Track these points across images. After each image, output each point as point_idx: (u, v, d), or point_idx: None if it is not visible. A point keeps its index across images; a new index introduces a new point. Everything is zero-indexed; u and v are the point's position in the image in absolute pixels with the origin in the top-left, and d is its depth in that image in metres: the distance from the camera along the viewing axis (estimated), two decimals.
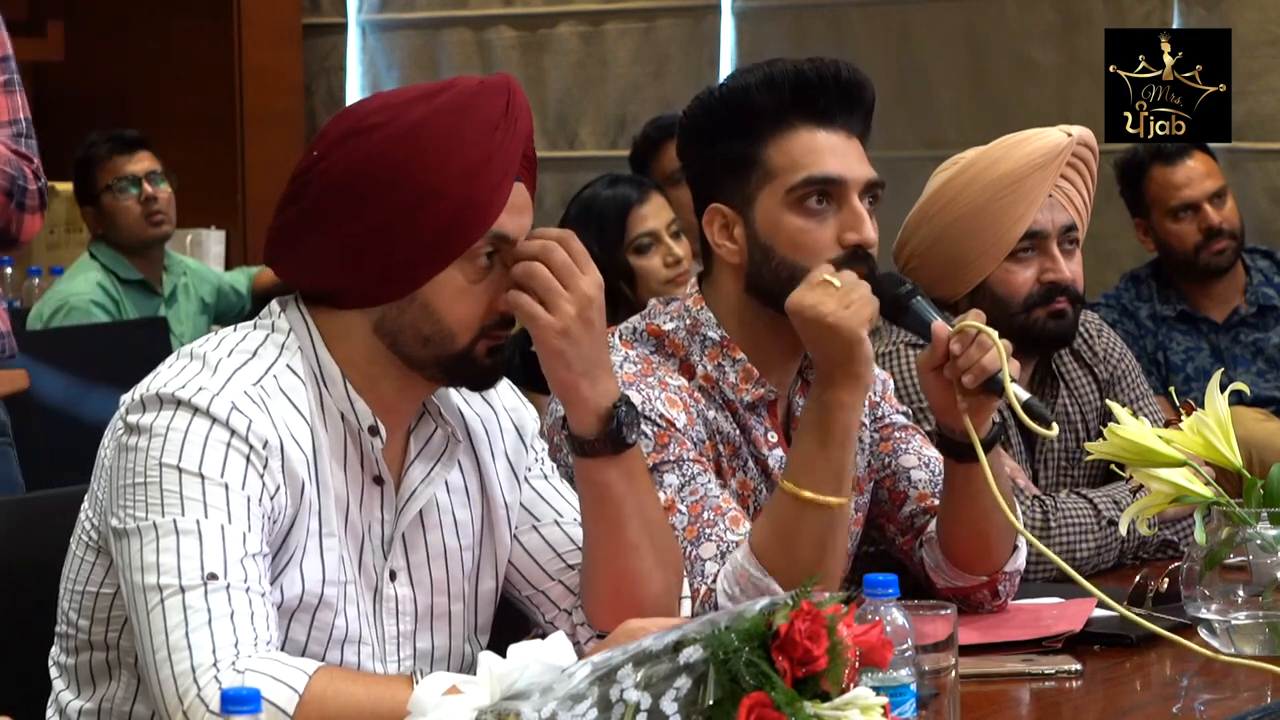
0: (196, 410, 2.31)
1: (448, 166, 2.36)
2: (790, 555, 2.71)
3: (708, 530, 2.78)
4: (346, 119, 2.43)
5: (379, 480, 2.45)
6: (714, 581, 2.75)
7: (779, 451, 2.94)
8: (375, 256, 2.37)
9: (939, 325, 2.81)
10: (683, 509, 2.79)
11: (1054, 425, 2.78)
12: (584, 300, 2.42)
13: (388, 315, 2.41)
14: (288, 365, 2.40)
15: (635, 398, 2.81)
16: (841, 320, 2.72)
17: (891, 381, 3.16)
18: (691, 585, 2.73)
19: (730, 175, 2.90)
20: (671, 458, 2.81)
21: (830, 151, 2.87)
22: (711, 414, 2.89)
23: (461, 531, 2.53)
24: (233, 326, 2.46)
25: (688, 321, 2.94)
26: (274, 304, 2.47)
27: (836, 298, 2.73)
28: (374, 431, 2.42)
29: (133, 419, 2.33)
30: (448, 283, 2.39)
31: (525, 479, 2.60)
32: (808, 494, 2.72)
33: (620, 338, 2.95)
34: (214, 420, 2.31)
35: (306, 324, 2.43)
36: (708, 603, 2.74)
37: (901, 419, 3.10)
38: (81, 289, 6.26)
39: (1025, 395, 2.78)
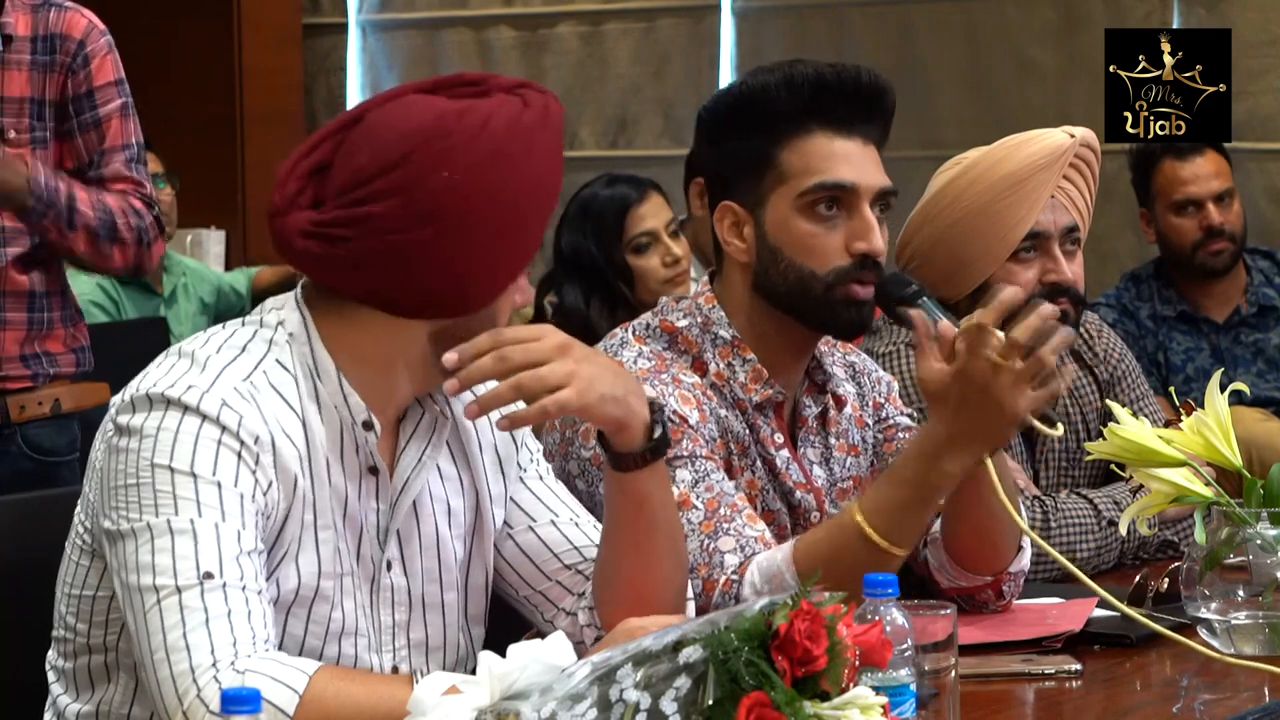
0: (186, 408, 2.30)
1: (537, 192, 2.40)
2: (831, 579, 2.69)
3: (725, 525, 2.77)
4: (420, 132, 2.34)
5: (374, 470, 2.44)
6: (734, 573, 2.74)
7: (785, 452, 2.94)
8: (448, 275, 2.36)
9: (945, 325, 2.81)
10: (698, 504, 2.78)
11: (1059, 425, 2.77)
12: (556, 351, 2.37)
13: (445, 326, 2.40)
14: (277, 360, 2.39)
15: (648, 393, 2.81)
16: (1015, 408, 2.67)
17: (896, 384, 3.16)
18: (709, 576, 2.74)
19: (744, 174, 2.90)
20: (684, 453, 2.81)
21: (845, 159, 2.87)
22: (723, 412, 2.89)
23: (454, 521, 2.53)
24: (221, 324, 2.45)
25: (700, 319, 2.94)
26: (268, 301, 2.46)
27: (1014, 376, 2.67)
28: (368, 426, 2.42)
29: (123, 420, 2.32)
30: None
31: (520, 478, 2.59)
32: (881, 542, 2.70)
33: (633, 333, 2.95)
34: (204, 418, 2.30)
35: (304, 319, 2.42)
36: (728, 593, 2.74)
37: (906, 420, 3.10)
38: (81, 289, 6.22)
39: None
